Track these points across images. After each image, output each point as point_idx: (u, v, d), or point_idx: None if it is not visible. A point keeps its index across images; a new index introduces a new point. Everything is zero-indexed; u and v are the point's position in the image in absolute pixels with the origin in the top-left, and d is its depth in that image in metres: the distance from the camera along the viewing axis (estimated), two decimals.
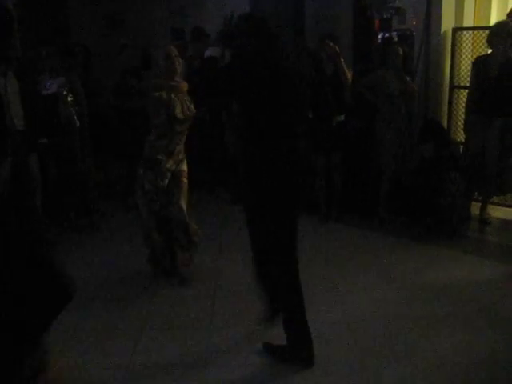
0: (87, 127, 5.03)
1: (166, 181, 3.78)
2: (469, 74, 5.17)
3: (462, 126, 5.15)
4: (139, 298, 3.78)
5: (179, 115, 3.66)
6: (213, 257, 4.42)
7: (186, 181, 3.89)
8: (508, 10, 5.20)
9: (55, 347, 2.73)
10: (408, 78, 4.94)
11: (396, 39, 5.48)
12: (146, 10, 7.40)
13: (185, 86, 3.79)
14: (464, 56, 5.24)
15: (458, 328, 3.26)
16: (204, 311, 3.55)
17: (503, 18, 5.17)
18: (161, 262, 3.98)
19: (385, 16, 5.53)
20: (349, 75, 4.81)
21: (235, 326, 3.34)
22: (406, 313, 3.44)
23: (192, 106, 3.77)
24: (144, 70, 6.20)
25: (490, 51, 4.71)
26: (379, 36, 5.87)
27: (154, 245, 3.90)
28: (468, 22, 5.42)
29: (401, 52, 4.86)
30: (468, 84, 5.20)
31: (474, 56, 5.08)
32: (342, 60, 4.73)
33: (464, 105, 5.13)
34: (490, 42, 4.60)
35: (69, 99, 4.71)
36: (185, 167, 3.90)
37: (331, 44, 4.66)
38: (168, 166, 3.76)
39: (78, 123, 4.76)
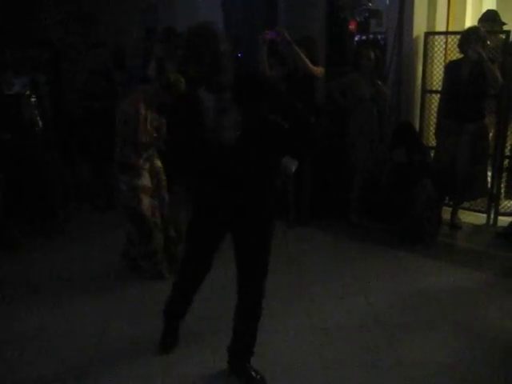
0: (51, 128, 4.90)
1: (144, 179, 3.79)
2: (441, 78, 5.18)
3: (433, 131, 5.14)
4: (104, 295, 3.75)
5: (143, 139, 3.70)
6: None
7: (164, 177, 3.96)
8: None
9: None
10: (380, 82, 4.91)
11: (370, 42, 5.46)
12: (119, 9, 7.27)
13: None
14: (436, 61, 5.22)
15: (425, 334, 3.22)
16: None
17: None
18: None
19: (358, 19, 5.50)
20: (318, 69, 4.73)
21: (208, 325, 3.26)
22: (375, 320, 3.39)
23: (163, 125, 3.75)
24: (116, 69, 6.09)
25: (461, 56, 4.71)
26: (356, 38, 5.86)
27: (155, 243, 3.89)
28: (441, 26, 5.41)
29: (372, 56, 4.83)
30: (440, 88, 5.21)
31: (447, 61, 5.08)
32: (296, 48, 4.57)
33: (436, 109, 5.12)
34: (461, 46, 4.59)
35: (32, 99, 4.57)
36: (159, 163, 3.95)
37: (283, 31, 4.51)
38: (142, 165, 3.79)
39: (40, 124, 4.62)
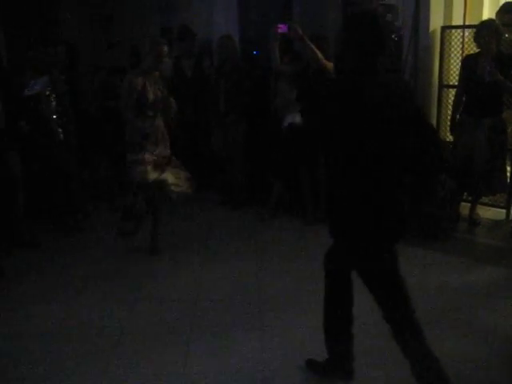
0: (71, 126, 4.97)
1: (147, 155, 4.16)
2: (458, 73, 5.13)
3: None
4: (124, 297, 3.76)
5: (150, 99, 4.09)
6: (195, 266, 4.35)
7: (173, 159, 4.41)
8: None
9: None
10: None
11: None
12: (134, 8, 7.31)
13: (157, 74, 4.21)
14: (453, 55, 5.17)
15: (444, 329, 3.20)
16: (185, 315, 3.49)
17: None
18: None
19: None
20: (330, 64, 4.70)
21: (214, 332, 3.28)
22: None
23: (165, 91, 4.21)
24: (133, 68, 6.13)
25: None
26: None
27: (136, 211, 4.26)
28: (457, 20, 5.35)
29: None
30: (457, 83, 5.16)
31: (464, 55, 5.03)
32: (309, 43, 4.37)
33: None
34: (477, 40, 4.54)
35: (52, 100, 4.63)
36: (167, 151, 4.34)
37: (295, 26, 4.36)
38: (148, 149, 4.18)
39: (59, 123, 4.69)
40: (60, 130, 4.71)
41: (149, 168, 4.17)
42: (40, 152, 4.71)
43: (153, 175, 4.18)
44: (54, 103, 4.66)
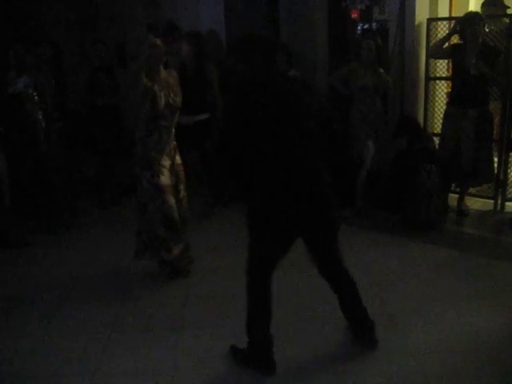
0: (59, 124, 4.94)
1: (163, 177, 3.69)
2: (444, 65, 5.15)
3: (438, 118, 5.11)
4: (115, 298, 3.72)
5: (161, 108, 3.58)
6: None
7: (183, 172, 3.88)
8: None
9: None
10: (382, 70, 4.88)
11: (372, 31, 5.43)
12: (120, 5, 7.26)
13: (171, 77, 3.72)
14: None
15: (432, 320, 3.22)
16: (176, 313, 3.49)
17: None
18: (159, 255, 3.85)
19: (359, 7, 5.46)
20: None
21: (205, 328, 3.27)
22: (383, 310, 3.37)
23: (178, 99, 3.71)
24: (118, 66, 6.10)
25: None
26: (359, 27, 5.83)
27: (160, 239, 3.76)
28: (443, 12, 5.36)
29: (373, 47, 4.78)
30: (444, 75, 5.18)
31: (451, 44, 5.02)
32: None
33: (440, 96, 5.08)
34: (461, 33, 4.56)
35: (35, 98, 4.60)
36: (178, 159, 3.86)
37: None
38: (163, 162, 3.69)
39: (43, 123, 4.65)
40: (44, 127, 4.67)
41: (165, 172, 3.72)
42: (24, 150, 4.66)
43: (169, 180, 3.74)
44: (37, 100, 4.61)
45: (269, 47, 2.66)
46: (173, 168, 3.79)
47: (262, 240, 2.69)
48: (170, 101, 3.64)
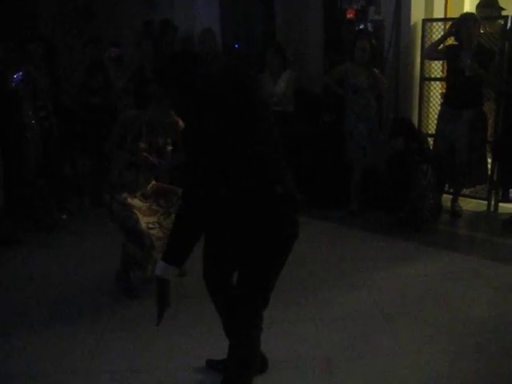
0: (53, 122, 4.92)
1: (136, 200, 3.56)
2: (439, 65, 5.16)
3: (432, 118, 5.12)
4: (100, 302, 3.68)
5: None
6: None
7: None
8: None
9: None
10: (377, 70, 4.88)
11: (366, 31, 5.43)
12: (116, 2, 7.24)
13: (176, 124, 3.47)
14: None
15: (420, 324, 3.22)
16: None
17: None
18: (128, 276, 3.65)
19: (355, 7, 5.46)
20: None
21: (199, 326, 3.27)
22: (377, 311, 3.38)
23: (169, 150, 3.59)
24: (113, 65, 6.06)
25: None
26: (355, 27, 5.82)
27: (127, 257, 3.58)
28: (439, 13, 5.38)
29: (368, 47, 4.78)
30: (439, 76, 5.19)
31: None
32: None
33: (434, 96, 5.09)
34: (456, 34, 4.57)
35: (26, 94, 4.58)
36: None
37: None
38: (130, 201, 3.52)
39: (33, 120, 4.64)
40: (34, 124, 4.64)
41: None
42: (14, 147, 4.63)
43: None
44: (31, 99, 4.60)
45: (184, 59, 2.43)
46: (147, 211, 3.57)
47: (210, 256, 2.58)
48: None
